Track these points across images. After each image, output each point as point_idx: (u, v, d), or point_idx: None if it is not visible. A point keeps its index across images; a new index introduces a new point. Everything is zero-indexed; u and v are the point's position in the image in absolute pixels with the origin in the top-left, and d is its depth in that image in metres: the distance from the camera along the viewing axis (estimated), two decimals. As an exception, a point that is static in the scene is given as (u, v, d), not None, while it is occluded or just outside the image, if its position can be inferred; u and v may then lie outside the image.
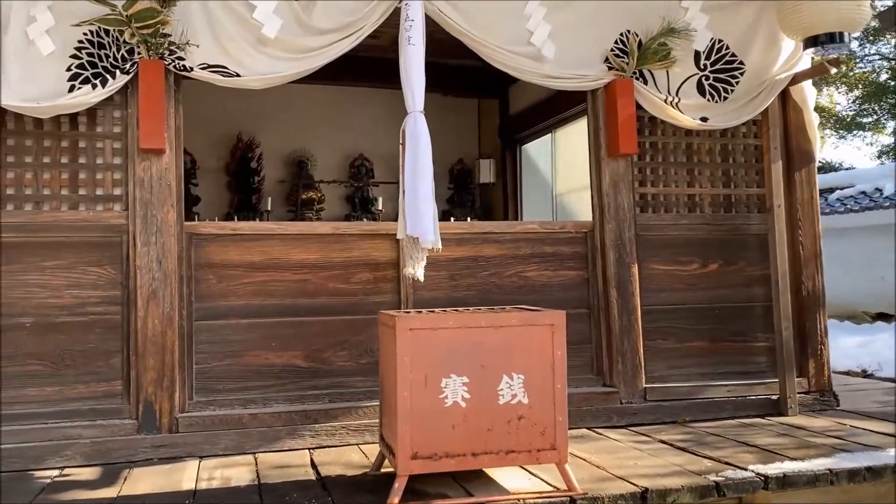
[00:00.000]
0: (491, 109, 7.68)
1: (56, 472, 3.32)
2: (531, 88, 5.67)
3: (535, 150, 7.25)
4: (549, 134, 6.71)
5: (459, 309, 3.18)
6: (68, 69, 3.45)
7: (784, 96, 4.44)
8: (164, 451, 3.49)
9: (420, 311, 3.16)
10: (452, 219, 7.36)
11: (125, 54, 3.51)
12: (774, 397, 4.29)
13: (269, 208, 7.22)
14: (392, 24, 3.73)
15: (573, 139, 6.13)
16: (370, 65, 6.42)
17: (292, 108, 7.34)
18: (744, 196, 4.53)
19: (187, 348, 3.64)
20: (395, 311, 3.00)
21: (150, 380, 3.53)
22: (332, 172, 7.50)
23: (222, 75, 3.62)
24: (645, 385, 4.17)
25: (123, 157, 3.62)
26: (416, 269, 3.62)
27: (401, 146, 3.64)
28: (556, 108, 5.96)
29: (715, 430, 3.95)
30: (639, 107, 4.21)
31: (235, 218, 7.19)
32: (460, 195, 8.01)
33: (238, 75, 3.64)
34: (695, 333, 4.35)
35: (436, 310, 3.18)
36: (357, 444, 3.69)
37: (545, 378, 2.84)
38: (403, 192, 3.57)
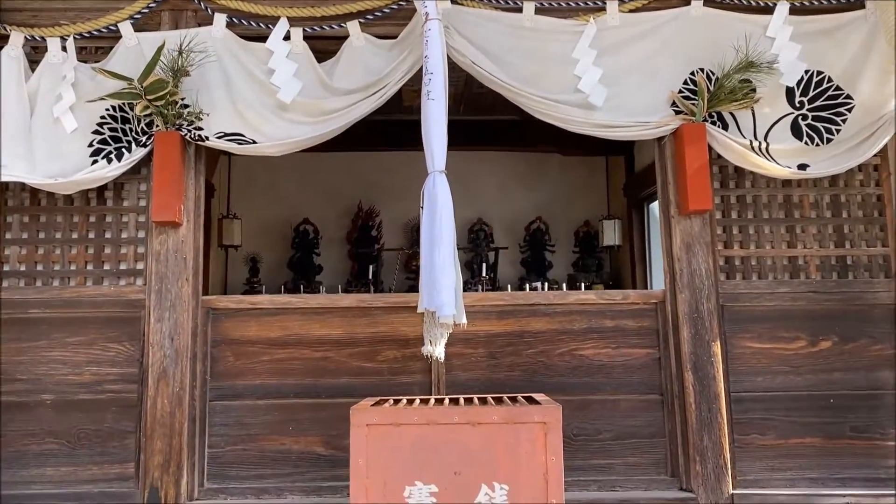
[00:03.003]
0: (619, 166, 7.14)
1: (55, 561, 3.19)
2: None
3: (662, 208, 6.61)
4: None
5: (443, 398, 2.70)
6: (90, 145, 3.46)
7: (911, 133, 3.61)
8: (166, 542, 3.27)
9: (393, 400, 2.71)
10: (577, 285, 6.87)
11: (144, 127, 3.48)
12: (912, 513, 3.35)
13: (370, 275, 7.07)
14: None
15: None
16: (497, 127, 6.18)
17: (415, 173, 7.21)
18: (863, 258, 3.68)
19: (199, 430, 3.42)
20: (367, 401, 2.59)
21: (156, 464, 3.34)
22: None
23: (238, 143, 3.48)
24: (733, 490, 3.40)
25: (147, 230, 3.56)
26: (435, 348, 3.20)
27: (421, 209, 3.31)
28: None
29: (826, 553, 3.12)
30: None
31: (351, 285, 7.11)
32: (585, 259, 7.50)
33: (254, 142, 3.48)
34: (802, 427, 3.52)
35: (415, 399, 2.73)
36: (370, 547, 3.25)
37: (536, 489, 2.28)
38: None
